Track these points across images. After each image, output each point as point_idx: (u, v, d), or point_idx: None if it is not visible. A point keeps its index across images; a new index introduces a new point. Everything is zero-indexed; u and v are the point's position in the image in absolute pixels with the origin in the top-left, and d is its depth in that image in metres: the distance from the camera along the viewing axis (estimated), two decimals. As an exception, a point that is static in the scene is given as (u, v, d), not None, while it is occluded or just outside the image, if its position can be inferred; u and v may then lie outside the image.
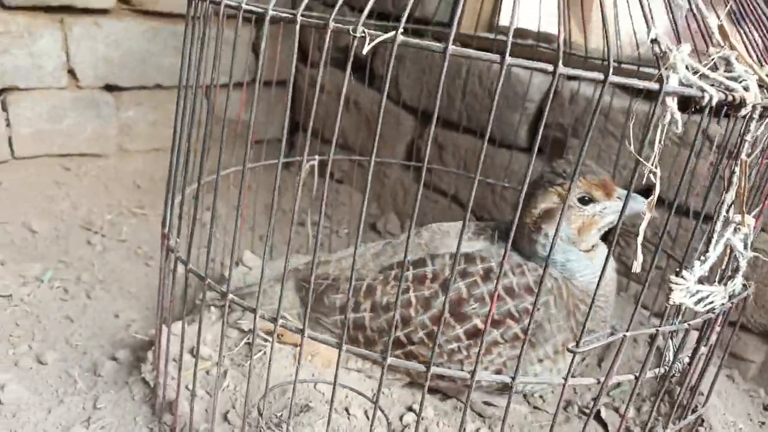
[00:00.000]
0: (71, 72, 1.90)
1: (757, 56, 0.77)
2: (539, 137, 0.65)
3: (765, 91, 0.71)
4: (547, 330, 0.97)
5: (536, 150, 0.63)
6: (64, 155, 1.97)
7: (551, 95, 0.65)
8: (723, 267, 0.82)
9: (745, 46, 0.79)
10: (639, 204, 0.93)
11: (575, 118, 1.51)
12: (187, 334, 0.94)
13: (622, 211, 0.69)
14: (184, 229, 0.86)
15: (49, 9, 1.81)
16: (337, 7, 0.66)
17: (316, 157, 1.32)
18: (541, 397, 1.14)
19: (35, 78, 1.85)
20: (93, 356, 1.18)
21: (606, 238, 1.07)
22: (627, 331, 0.74)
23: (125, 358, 1.15)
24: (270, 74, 1.33)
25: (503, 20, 1.66)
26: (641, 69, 1.35)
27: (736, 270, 0.82)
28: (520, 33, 1.63)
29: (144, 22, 1.96)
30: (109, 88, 1.98)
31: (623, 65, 1.37)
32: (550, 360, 0.98)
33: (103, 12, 1.89)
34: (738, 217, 0.77)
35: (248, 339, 1.09)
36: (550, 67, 0.60)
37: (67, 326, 1.28)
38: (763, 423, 1.20)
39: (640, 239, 0.73)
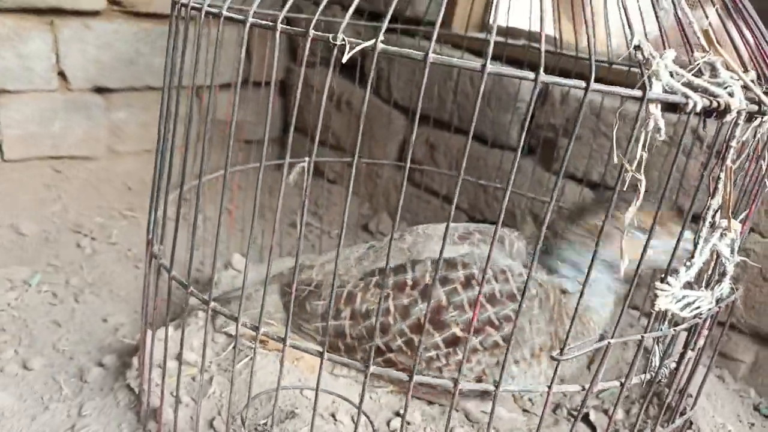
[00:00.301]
0: (61, 74, 1.89)
1: (743, 59, 0.76)
2: (523, 141, 0.64)
3: (755, 92, 0.70)
4: (526, 331, 0.96)
5: (527, 151, 0.62)
6: (54, 157, 1.96)
7: (532, 102, 0.64)
8: (710, 272, 0.81)
9: (734, 46, 0.78)
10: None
11: (566, 119, 1.51)
12: (173, 339, 0.93)
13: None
14: (170, 233, 0.85)
15: (38, 11, 1.79)
16: (317, 14, 0.65)
17: (306, 159, 1.32)
18: (530, 400, 1.13)
19: (25, 80, 1.83)
20: (80, 362, 1.17)
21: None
22: (612, 338, 0.73)
23: (112, 363, 1.14)
24: (260, 74, 1.32)
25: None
26: (632, 69, 1.34)
27: (723, 274, 0.82)
28: (512, 32, 1.63)
29: (135, 23, 1.95)
30: (99, 89, 1.97)
31: (614, 66, 1.36)
32: (525, 362, 0.97)
33: (94, 14, 1.87)
34: (724, 222, 0.77)
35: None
36: (531, 75, 0.59)
37: (54, 331, 1.27)
38: (753, 424, 1.20)
39: (625, 245, 0.72)
